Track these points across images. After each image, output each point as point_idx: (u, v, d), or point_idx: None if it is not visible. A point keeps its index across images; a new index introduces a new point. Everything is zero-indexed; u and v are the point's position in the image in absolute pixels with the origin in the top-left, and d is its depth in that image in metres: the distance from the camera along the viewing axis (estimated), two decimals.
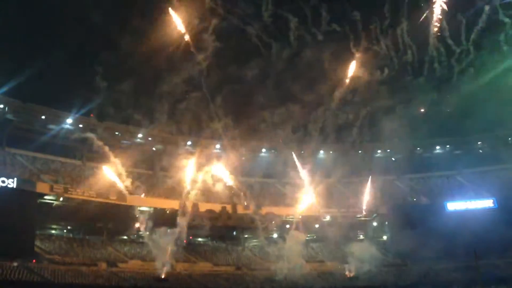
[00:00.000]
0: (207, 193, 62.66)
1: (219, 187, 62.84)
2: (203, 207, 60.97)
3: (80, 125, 63.95)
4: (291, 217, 66.45)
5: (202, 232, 59.59)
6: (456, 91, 61.99)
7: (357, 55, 56.91)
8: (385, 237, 67.78)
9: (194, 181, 65.96)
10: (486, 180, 73.16)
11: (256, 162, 75.94)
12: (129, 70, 59.02)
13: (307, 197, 65.68)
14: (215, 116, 62.48)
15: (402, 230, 59.17)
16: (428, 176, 77.81)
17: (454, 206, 67.16)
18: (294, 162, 70.83)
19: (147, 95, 60.89)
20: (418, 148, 78.08)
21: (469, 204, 67.38)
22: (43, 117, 61.86)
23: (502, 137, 75.60)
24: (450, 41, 54.29)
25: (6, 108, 58.81)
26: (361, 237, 66.42)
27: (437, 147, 79.07)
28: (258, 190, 70.09)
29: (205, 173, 65.46)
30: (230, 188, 64.61)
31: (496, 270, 58.53)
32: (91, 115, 64.33)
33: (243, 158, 75.32)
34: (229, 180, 63.49)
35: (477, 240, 55.70)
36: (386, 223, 68.54)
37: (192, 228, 57.07)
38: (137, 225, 57.55)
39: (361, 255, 58.54)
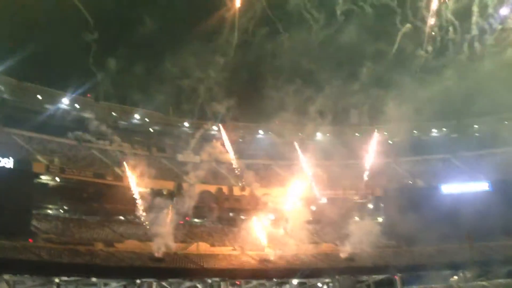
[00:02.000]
0: (204, 174, 62.78)
1: (216, 169, 63.14)
2: (200, 188, 61.03)
3: (77, 105, 63.83)
4: (287, 198, 66.67)
5: (198, 213, 59.81)
6: (455, 74, 62.08)
7: None
8: (380, 219, 68.15)
9: (191, 162, 66.35)
10: (481, 163, 73.53)
11: (253, 144, 76.09)
12: (126, 50, 58.95)
13: (304, 179, 65.98)
14: (213, 97, 62.76)
15: (397, 213, 59.38)
16: (425, 159, 78.03)
17: (449, 189, 67.47)
18: (292, 144, 71.07)
19: (145, 76, 60.95)
20: (415, 131, 78.26)
21: (464, 187, 67.67)
22: (39, 96, 61.69)
23: (498, 121, 75.85)
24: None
25: (2, 87, 58.66)
26: (357, 219, 66.71)
27: (434, 130, 79.31)
28: (255, 171, 70.22)
29: (202, 154, 65.82)
30: (227, 169, 64.89)
31: (489, 252, 59.15)
32: (88, 95, 64.28)
33: (240, 140, 75.62)
34: (226, 161, 63.75)
35: (471, 223, 56.17)
36: (382, 205, 68.94)
37: (189, 209, 57.17)
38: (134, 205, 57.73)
39: (357, 236, 58.91)
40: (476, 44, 55.48)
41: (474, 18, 53.15)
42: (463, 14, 54.02)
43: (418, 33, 57.66)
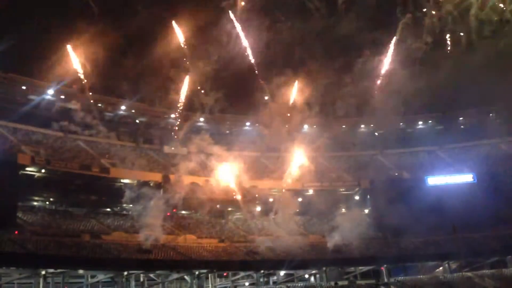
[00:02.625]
0: (190, 166, 62.55)
1: (202, 160, 62.95)
2: (187, 180, 60.84)
3: (62, 96, 63.10)
4: (274, 190, 66.90)
5: (186, 205, 59.68)
6: (440, 66, 62.54)
7: None
8: (366, 211, 68.65)
9: (178, 154, 66.13)
10: (466, 155, 74.39)
11: (240, 136, 75.94)
12: (112, 40, 58.27)
13: (290, 170, 66.16)
14: (200, 89, 62.53)
15: (383, 204, 59.91)
16: (410, 152, 78.62)
17: (434, 180, 68.11)
18: (279, 136, 71.04)
19: (131, 67, 60.40)
20: (401, 123, 78.78)
21: (449, 179, 68.37)
22: (23, 87, 60.84)
23: (483, 113, 76.66)
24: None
25: None
26: (343, 210, 67.16)
27: (420, 123, 79.91)
28: (241, 163, 70.13)
29: (189, 146, 65.61)
30: (213, 161, 64.68)
31: (474, 243, 59.97)
32: (74, 86, 63.52)
33: (227, 131, 75.50)
34: (213, 153, 63.56)
35: (456, 214, 56.96)
36: (368, 197, 69.39)
37: (176, 200, 57.02)
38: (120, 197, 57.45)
39: (343, 228, 59.30)
40: (474, 36, 55.79)
41: (473, 10, 53.45)
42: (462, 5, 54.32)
43: (417, 24, 58.00)
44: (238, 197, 63.45)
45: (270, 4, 59.20)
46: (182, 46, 62.73)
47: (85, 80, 60.91)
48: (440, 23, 56.75)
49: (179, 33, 63.62)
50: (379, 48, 64.04)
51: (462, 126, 79.07)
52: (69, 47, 59.34)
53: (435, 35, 58.17)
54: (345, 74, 63.28)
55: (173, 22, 63.39)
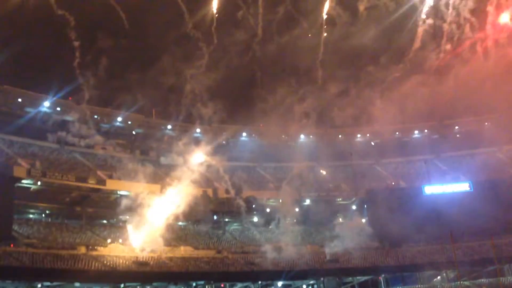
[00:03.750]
0: (188, 178, 62.47)
1: (200, 172, 62.83)
2: (184, 191, 60.69)
3: (58, 108, 63.11)
4: (272, 200, 66.81)
5: (183, 216, 59.49)
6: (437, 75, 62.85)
7: None
8: (364, 220, 68.56)
9: (175, 165, 65.99)
10: (462, 164, 74.56)
11: (237, 147, 76.02)
12: (108, 52, 58.48)
13: (287, 181, 66.18)
14: (196, 100, 62.55)
15: (380, 214, 59.86)
16: (407, 161, 78.74)
17: (431, 189, 68.07)
18: (276, 146, 71.23)
19: (128, 79, 60.54)
20: (397, 133, 78.98)
21: (446, 188, 68.24)
22: (20, 100, 60.84)
23: (478, 122, 76.94)
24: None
25: None
26: (340, 220, 67.08)
27: (416, 132, 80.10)
28: (239, 174, 70.12)
29: (186, 157, 65.50)
30: (211, 172, 64.68)
31: (471, 251, 59.91)
32: (70, 98, 63.58)
33: (224, 142, 75.48)
34: (210, 164, 63.52)
35: (453, 223, 56.79)
36: (365, 206, 69.32)
37: (173, 212, 56.86)
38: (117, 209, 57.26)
39: (340, 238, 59.24)
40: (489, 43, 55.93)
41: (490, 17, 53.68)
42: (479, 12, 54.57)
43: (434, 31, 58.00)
44: (236, 208, 63.35)
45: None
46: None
47: (85, 91, 60.81)
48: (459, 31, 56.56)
49: None
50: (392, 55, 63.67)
51: (458, 135, 79.27)
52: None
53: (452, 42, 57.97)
54: (351, 83, 63.41)
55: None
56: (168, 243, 57.78)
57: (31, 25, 57.83)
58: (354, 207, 70.39)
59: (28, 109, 61.74)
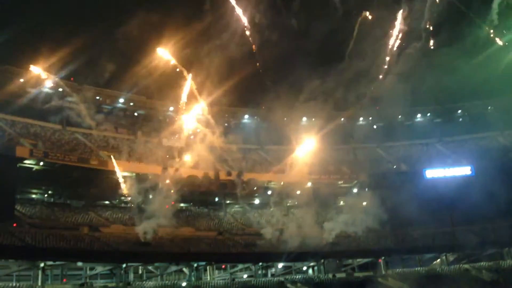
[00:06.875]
0: (189, 159, 62.64)
1: (201, 153, 62.93)
2: (185, 173, 60.89)
3: (60, 89, 62.98)
4: (273, 183, 66.97)
5: (184, 197, 59.72)
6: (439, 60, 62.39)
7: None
8: (365, 203, 68.71)
9: (176, 147, 66.10)
10: (464, 148, 74.56)
11: (238, 129, 75.99)
12: (110, 33, 58.16)
13: (289, 163, 66.24)
14: (198, 81, 62.30)
15: (381, 197, 59.97)
16: (409, 144, 78.72)
17: (432, 173, 68.14)
18: (277, 128, 71.14)
19: (129, 59, 60.25)
20: (400, 116, 78.79)
21: (447, 172, 68.36)
22: (21, 80, 60.69)
23: (481, 106, 76.72)
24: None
25: None
26: (342, 203, 67.27)
27: (418, 115, 79.91)
28: (240, 156, 70.26)
29: (187, 139, 65.57)
30: (212, 154, 64.71)
31: (471, 235, 60.12)
32: (71, 78, 63.39)
33: (226, 124, 75.41)
34: (212, 146, 63.60)
35: (454, 207, 57.05)
36: (366, 189, 69.40)
37: (175, 193, 57.06)
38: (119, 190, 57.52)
39: (341, 221, 59.44)
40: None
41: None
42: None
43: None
44: (237, 189, 63.55)
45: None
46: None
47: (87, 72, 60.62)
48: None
49: None
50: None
51: (460, 119, 79.13)
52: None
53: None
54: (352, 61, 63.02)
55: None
56: (170, 224, 58.11)
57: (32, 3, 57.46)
58: (355, 190, 70.55)
59: (30, 89, 61.58)
